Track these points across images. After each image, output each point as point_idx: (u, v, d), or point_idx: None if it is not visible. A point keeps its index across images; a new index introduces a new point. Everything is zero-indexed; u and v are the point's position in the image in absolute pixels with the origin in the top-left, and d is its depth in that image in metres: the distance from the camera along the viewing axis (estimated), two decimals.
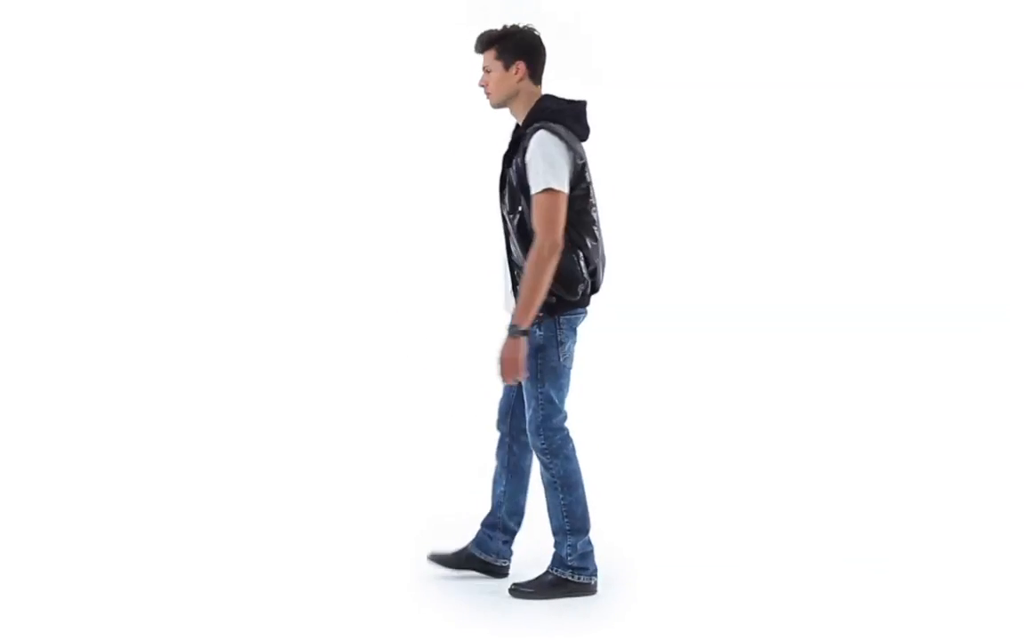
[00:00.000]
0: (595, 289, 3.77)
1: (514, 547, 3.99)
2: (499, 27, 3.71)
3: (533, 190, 3.57)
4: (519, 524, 3.97)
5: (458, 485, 4.85)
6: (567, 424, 3.77)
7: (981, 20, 6.40)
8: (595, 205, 3.71)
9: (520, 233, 3.68)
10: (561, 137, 3.56)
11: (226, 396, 6.18)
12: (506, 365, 3.59)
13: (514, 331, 3.58)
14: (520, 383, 3.71)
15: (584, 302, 3.73)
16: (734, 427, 5.91)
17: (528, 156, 3.59)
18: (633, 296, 5.64)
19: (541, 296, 3.55)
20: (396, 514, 4.70)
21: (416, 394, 6.17)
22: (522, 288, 3.58)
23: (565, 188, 3.54)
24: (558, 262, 3.54)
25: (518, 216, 3.67)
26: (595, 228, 3.70)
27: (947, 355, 6.31)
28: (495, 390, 3.96)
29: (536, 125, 3.61)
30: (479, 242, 4.80)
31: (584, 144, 3.75)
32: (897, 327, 6.38)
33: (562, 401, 3.74)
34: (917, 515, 4.66)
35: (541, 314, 3.64)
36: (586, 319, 3.80)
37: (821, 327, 6.40)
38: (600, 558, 3.82)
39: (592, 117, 3.76)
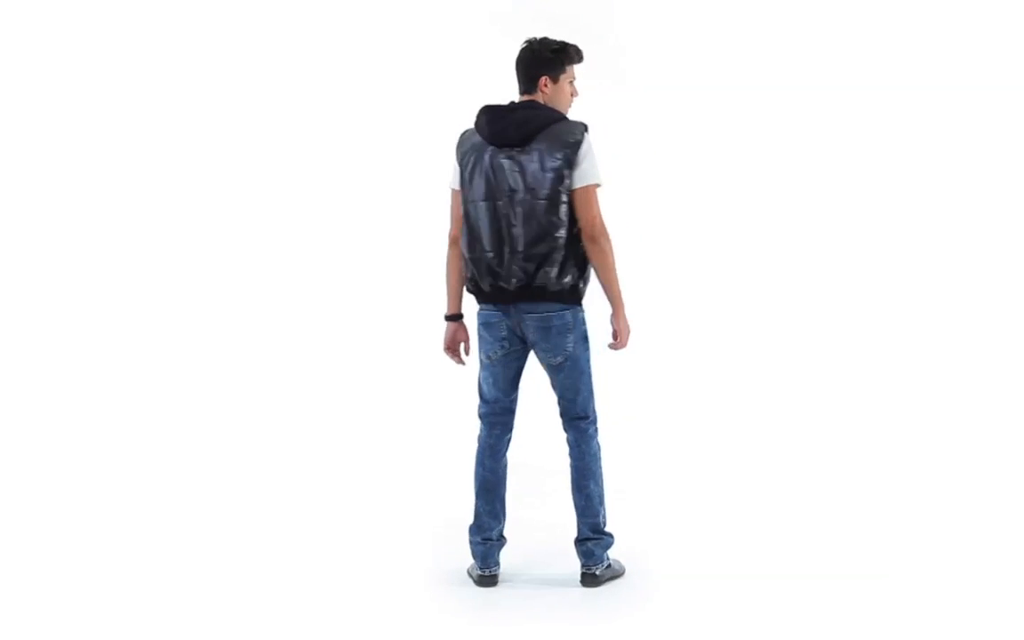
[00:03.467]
0: (495, 290, 3.65)
1: (506, 548, 3.94)
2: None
3: None
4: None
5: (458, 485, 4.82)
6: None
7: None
8: (478, 203, 3.62)
9: None
10: (460, 141, 3.72)
11: (234, 397, 6.12)
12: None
13: None
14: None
15: (481, 298, 3.71)
16: (739, 428, 5.85)
17: None
18: (651, 296, 5.54)
19: (446, 282, 3.81)
20: (401, 515, 4.66)
21: (419, 394, 6.12)
22: None
23: (452, 185, 3.75)
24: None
25: None
26: (477, 225, 3.63)
27: (961, 354, 6.28)
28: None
29: None
30: None
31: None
32: (908, 327, 6.35)
33: (486, 390, 3.77)
34: (919, 517, 4.57)
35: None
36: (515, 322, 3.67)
37: (831, 330, 6.35)
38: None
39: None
